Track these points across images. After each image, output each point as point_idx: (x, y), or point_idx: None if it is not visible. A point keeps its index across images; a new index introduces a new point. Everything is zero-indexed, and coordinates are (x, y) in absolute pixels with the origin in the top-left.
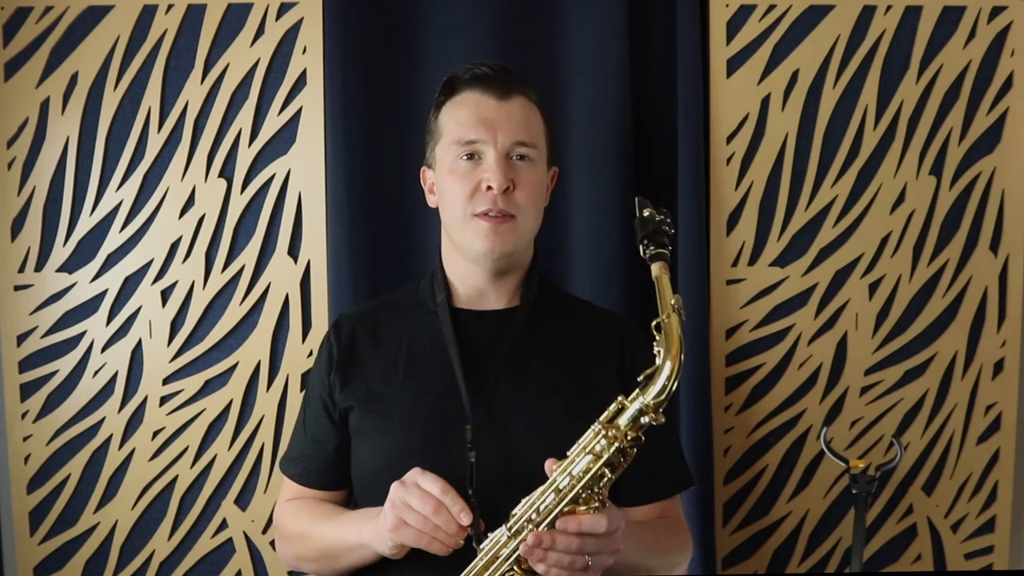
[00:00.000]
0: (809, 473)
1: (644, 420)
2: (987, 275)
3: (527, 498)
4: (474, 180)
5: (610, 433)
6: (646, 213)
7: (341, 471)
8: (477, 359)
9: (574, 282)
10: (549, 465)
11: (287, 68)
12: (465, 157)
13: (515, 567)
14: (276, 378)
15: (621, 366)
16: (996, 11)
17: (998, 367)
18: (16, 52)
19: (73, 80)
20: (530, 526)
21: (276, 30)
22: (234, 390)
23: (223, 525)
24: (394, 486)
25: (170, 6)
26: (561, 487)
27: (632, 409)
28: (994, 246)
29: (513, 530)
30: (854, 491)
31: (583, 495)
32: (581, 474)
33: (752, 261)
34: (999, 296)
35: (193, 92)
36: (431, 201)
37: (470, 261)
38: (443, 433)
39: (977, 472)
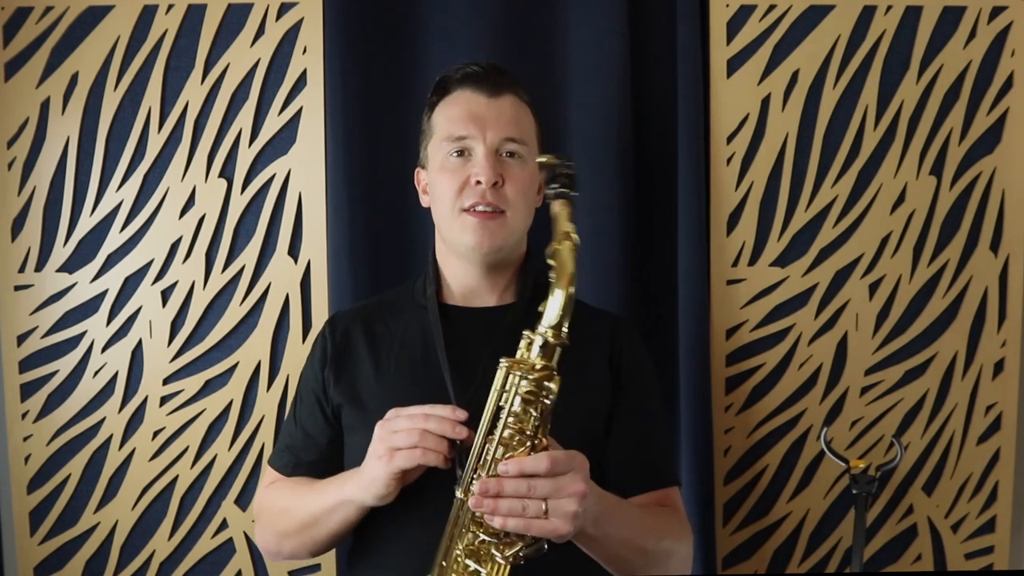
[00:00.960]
0: (809, 473)
1: (541, 344)
2: (987, 275)
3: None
4: (464, 175)
5: (520, 367)
6: (544, 159)
7: (330, 465)
8: (468, 354)
9: None
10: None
11: (287, 68)
12: (455, 153)
13: (476, 530)
14: (276, 378)
15: (611, 360)
16: (996, 11)
17: (998, 367)
18: (16, 52)
19: (73, 80)
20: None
21: (276, 30)
22: (234, 390)
23: (223, 525)
24: (378, 425)
25: (170, 6)
26: (491, 432)
27: (537, 340)
28: (994, 246)
29: (463, 488)
30: (854, 491)
31: (516, 438)
32: (501, 414)
33: (752, 261)
34: (999, 296)
35: (193, 92)
36: (424, 201)
37: (460, 257)
38: None
39: (977, 472)
